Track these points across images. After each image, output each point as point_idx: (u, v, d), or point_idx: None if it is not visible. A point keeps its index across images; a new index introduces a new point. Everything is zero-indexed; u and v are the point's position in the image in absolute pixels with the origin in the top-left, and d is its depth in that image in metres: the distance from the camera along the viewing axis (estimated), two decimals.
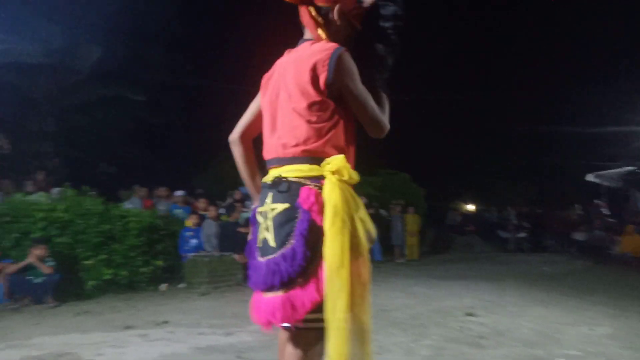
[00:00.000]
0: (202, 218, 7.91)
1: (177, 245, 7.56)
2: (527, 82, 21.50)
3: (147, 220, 7.28)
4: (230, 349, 3.44)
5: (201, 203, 8.77)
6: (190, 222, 7.77)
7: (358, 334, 1.43)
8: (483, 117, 20.07)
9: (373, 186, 14.22)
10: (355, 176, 1.54)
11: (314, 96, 1.52)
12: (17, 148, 12.10)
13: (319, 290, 1.42)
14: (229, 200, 9.73)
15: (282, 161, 1.58)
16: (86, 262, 6.35)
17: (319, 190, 1.50)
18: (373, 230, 1.52)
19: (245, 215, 8.41)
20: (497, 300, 5.62)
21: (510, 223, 15.02)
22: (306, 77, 1.52)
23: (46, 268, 5.56)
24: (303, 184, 1.52)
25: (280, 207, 1.51)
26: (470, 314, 4.75)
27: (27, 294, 5.47)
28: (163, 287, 6.93)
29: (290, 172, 1.55)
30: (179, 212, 8.83)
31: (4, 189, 7.99)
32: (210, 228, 7.67)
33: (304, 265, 1.42)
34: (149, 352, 3.39)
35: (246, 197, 10.57)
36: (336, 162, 1.50)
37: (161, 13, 14.51)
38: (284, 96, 1.59)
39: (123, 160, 14.78)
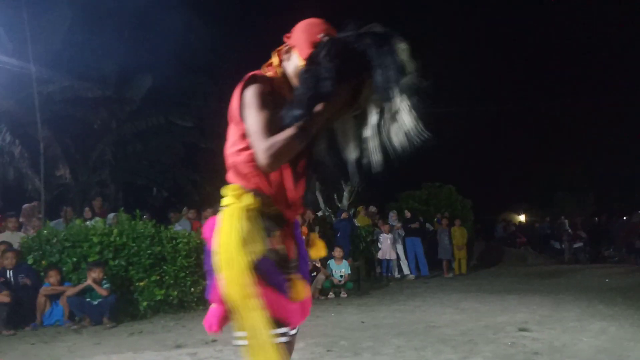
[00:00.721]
0: None
1: None
2: (579, 89, 20.64)
3: (195, 242, 7.50)
4: None
5: None
6: None
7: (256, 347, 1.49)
8: (533, 127, 19.43)
9: (417, 200, 14.00)
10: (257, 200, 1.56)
11: (238, 123, 1.61)
12: (77, 177, 12.95)
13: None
14: None
15: None
16: (139, 284, 6.62)
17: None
18: (261, 250, 1.50)
19: None
20: (554, 315, 5.34)
21: (566, 233, 14.28)
22: (234, 104, 1.62)
23: (102, 290, 5.85)
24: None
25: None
26: (524, 329, 4.54)
27: (86, 315, 5.77)
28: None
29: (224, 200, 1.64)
30: None
31: (65, 216, 8.54)
32: None
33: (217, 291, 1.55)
34: None
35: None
36: (231, 189, 1.60)
37: (207, 45, 15.21)
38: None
39: (174, 184, 15.42)
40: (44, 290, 5.88)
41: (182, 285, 7.00)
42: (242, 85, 1.59)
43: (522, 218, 18.12)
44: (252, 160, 1.56)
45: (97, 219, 8.16)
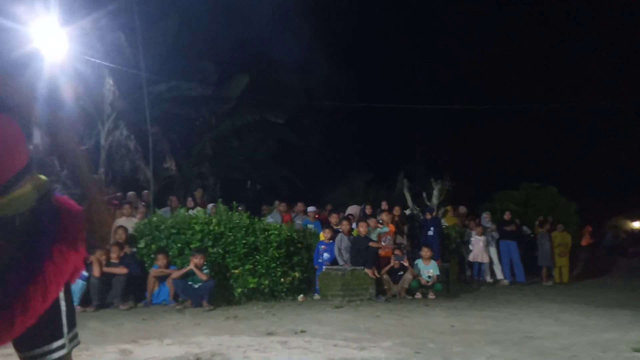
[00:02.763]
0: (335, 232, 8.20)
1: (312, 257, 7.96)
2: None
3: (285, 234, 7.79)
4: None
5: (334, 218, 9.10)
6: (324, 236, 8.11)
7: None
8: None
9: (514, 201, 13.18)
10: None
11: None
12: (181, 169, 14.09)
13: None
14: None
15: None
16: (234, 271, 7.04)
17: None
18: None
19: (380, 230, 8.48)
20: None
21: None
22: None
23: (203, 275, 6.32)
24: None
25: None
26: (639, 350, 4.08)
27: (188, 297, 6.28)
28: (300, 297, 7.34)
29: None
30: (310, 226, 9.31)
31: (171, 205, 9.33)
32: (342, 242, 7.91)
33: None
34: (288, 359, 3.62)
35: (375, 213, 10.70)
36: None
37: (298, 43, 15.63)
38: None
39: (266, 179, 16.13)
40: (154, 272, 6.50)
41: (273, 275, 7.31)
42: None
43: (636, 225, 16.21)
44: None
45: (199, 208, 8.81)
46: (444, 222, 10.52)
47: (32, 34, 10.51)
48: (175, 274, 6.35)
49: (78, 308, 5.87)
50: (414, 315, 5.85)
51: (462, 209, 11.55)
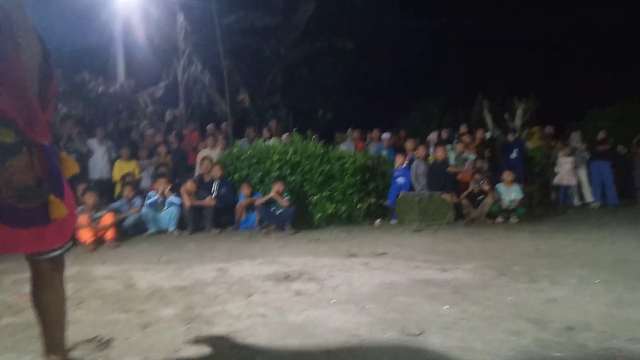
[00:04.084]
0: (411, 159, 8.09)
1: (387, 184, 7.98)
2: None
3: (360, 161, 7.82)
4: (447, 284, 3.54)
5: (409, 143, 8.92)
6: (399, 162, 8.03)
7: None
8: None
9: (608, 118, 12.03)
10: None
11: None
12: (254, 101, 14.36)
13: None
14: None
15: None
16: (313, 198, 7.29)
17: None
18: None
19: (464, 156, 8.23)
20: None
21: None
22: None
23: (284, 201, 6.61)
24: None
25: None
26: None
27: (272, 221, 6.65)
28: (377, 222, 7.48)
29: None
30: (384, 153, 9.24)
31: (249, 136, 9.65)
32: (418, 168, 7.80)
33: None
34: (371, 279, 3.76)
35: (454, 137, 10.32)
36: None
37: None
38: None
39: (338, 106, 16.00)
40: (242, 202, 6.89)
41: (349, 201, 7.48)
42: None
43: None
44: None
45: (275, 138, 9.04)
46: (529, 145, 9.92)
47: None
48: (259, 200, 6.70)
49: (175, 232, 6.48)
50: (496, 239, 5.75)
51: (549, 129, 10.76)
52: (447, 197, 7.27)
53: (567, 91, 15.94)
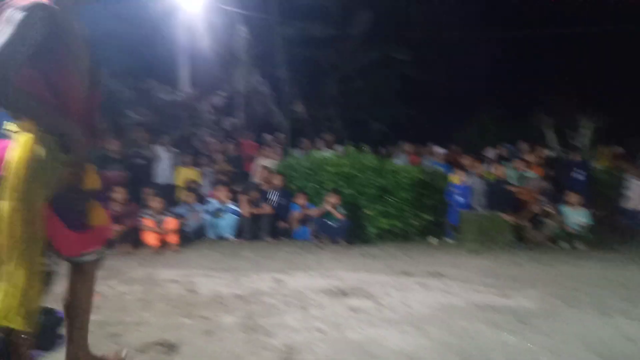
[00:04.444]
0: (468, 175, 7.87)
1: (443, 200, 7.80)
2: None
3: (415, 176, 7.70)
4: (509, 311, 3.41)
5: (467, 160, 8.69)
6: (456, 178, 7.84)
7: (26, 276, 1.54)
8: None
9: None
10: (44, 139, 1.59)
11: None
12: (309, 111, 14.56)
13: None
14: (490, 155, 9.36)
15: None
16: (367, 212, 7.25)
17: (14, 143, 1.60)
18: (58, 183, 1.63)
19: (524, 174, 7.94)
20: None
21: None
22: None
23: (338, 214, 6.64)
24: (3, 137, 1.65)
25: None
26: None
27: (326, 234, 6.69)
28: (433, 240, 7.32)
29: (7, 126, 1.66)
30: (440, 168, 9.03)
31: (303, 147, 9.79)
32: (477, 185, 7.58)
33: None
34: (429, 300, 3.69)
35: (513, 154, 9.95)
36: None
37: None
38: None
39: (391, 118, 15.88)
40: (296, 214, 6.98)
41: (404, 217, 7.37)
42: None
43: None
44: (44, 83, 1.62)
45: (329, 150, 9.11)
46: (596, 165, 9.38)
47: None
48: (314, 211, 6.77)
49: (233, 238, 6.67)
50: (561, 265, 5.47)
51: (618, 150, 10.13)
52: (507, 217, 7.01)
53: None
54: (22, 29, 1.52)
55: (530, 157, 8.25)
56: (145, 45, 12.24)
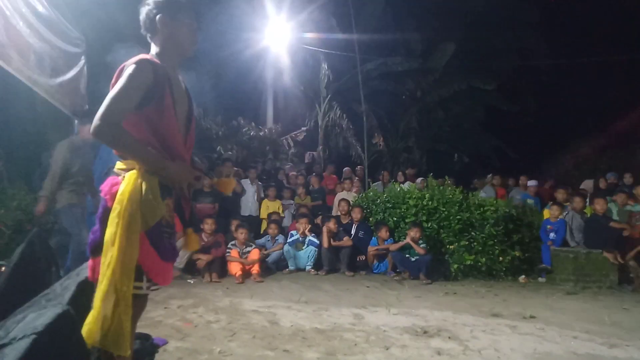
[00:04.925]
0: (563, 209, 7.30)
1: (534, 236, 7.28)
2: None
3: (502, 210, 7.30)
4: None
5: (560, 193, 8.09)
6: (551, 213, 7.31)
7: (117, 300, 1.68)
8: None
9: None
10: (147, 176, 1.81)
11: None
12: (388, 144, 14.55)
13: None
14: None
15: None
16: (450, 247, 6.97)
17: (121, 180, 1.80)
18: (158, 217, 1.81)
19: (630, 208, 7.23)
20: None
21: None
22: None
23: (420, 249, 6.46)
24: (114, 175, 1.85)
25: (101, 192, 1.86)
26: None
27: (406, 269, 6.52)
28: (522, 278, 6.83)
29: (118, 165, 1.89)
30: (530, 202, 8.49)
31: (383, 179, 9.75)
32: (574, 221, 6.99)
33: (98, 241, 1.76)
34: (522, 346, 3.42)
35: (615, 186, 9.07)
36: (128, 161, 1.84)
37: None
38: None
39: (474, 150, 15.35)
40: (372, 249, 6.91)
41: (490, 253, 6.97)
42: (126, 63, 1.84)
43: None
44: (144, 127, 1.85)
45: (409, 183, 8.98)
46: None
47: (263, 33, 12.21)
48: (394, 246, 6.65)
49: (312, 271, 6.74)
50: None
51: None
52: (609, 256, 6.35)
53: None
54: (131, 81, 1.78)
55: (637, 190, 7.47)
56: (235, 84, 13.16)
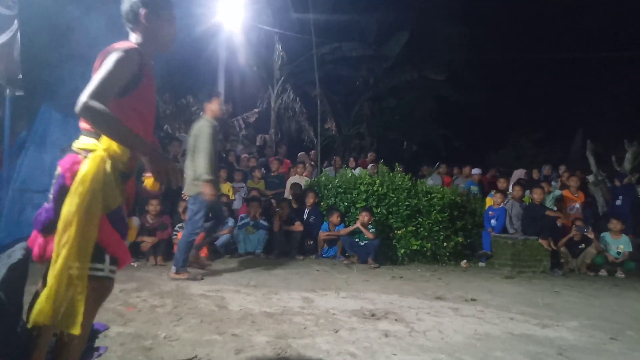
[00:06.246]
0: (504, 197, 7.68)
1: (476, 223, 7.62)
2: None
3: (448, 197, 7.57)
4: (549, 343, 3.26)
5: (502, 182, 8.50)
6: (493, 201, 7.66)
7: (71, 280, 1.66)
8: None
9: None
10: (124, 155, 1.83)
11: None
12: (340, 130, 14.61)
13: None
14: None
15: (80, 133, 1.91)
16: (398, 232, 7.15)
17: (82, 160, 1.78)
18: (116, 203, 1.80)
19: (553, 194, 7.71)
20: None
21: None
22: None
23: (369, 233, 6.56)
24: (74, 153, 1.82)
25: (57, 169, 1.83)
26: None
27: (354, 253, 6.62)
28: (464, 263, 7.14)
29: (76, 143, 1.86)
30: (474, 189, 8.86)
31: (335, 165, 9.80)
32: (513, 209, 7.37)
33: (52, 219, 1.73)
34: (463, 327, 3.57)
35: (551, 177, 9.66)
36: (91, 143, 1.82)
37: None
38: None
39: (425, 138, 15.75)
40: (323, 234, 6.94)
41: (435, 239, 7.23)
42: (108, 49, 1.88)
43: None
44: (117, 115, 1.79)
45: (360, 169, 9.08)
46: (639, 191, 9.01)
47: (216, 9, 11.75)
48: (344, 231, 6.71)
49: (262, 255, 6.68)
50: (601, 295, 5.22)
51: None
52: (544, 242, 6.77)
53: None
54: (119, 67, 1.82)
55: (571, 182, 7.98)
56: (185, 62, 12.62)
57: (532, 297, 4.90)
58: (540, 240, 6.79)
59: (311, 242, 7.03)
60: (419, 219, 7.26)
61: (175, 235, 6.06)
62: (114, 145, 1.80)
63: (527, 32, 16.42)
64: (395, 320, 3.69)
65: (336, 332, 3.29)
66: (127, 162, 1.88)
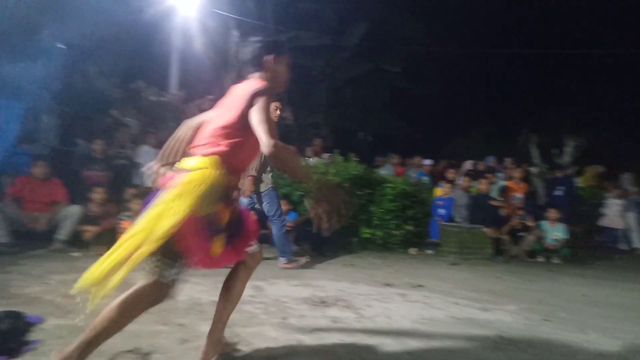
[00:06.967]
0: (452, 188, 7.94)
1: (425, 212, 7.85)
2: None
3: (400, 187, 7.74)
4: (489, 325, 3.43)
5: (451, 173, 8.78)
6: (441, 191, 7.90)
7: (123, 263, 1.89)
8: None
9: None
10: (221, 178, 2.03)
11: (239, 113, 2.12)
12: (297, 119, 14.54)
13: None
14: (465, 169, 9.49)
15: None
16: (350, 221, 7.24)
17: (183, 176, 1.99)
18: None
19: (498, 186, 8.05)
20: None
21: None
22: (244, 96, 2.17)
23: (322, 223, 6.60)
24: (174, 171, 2.08)
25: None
26: None
27: (308, 243, 6.65)
28: (413, 250, 7.35)
29: (187, 164, 2.09)
30: (425, 179, 9.10)
31: None
32: (461, 198, 7.65)
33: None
34: (410, 312, 3.68)
35: (497, 168, 10.08)
36: (207, 162, 2.04)
37: None
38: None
39: (379, 129, 15.96)
40: None
41: (386, 227, 7.39)
42: (258, 89, 2.11)
43: None
44: (243, 146, 2.11)
45: (316, 158, 9.10)
46: (579, 183, 9.57)
47: None
48: (298, 221, 6.72)
49: None
50: (539, 280, 5.54)
51: (598, 169, 10.35)
52: (488, 231, 7.08)
53: (623, 129, 15.26)
54: (268, 111, 2.07)
55: (515, 173, 8.37)
56: (137, 46, 12.11)
57: (476, 282, 5.13)
58: (484, 229, 7.09)
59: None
60: (371, 208, 7.38)
61: (120, 224, 5.85)
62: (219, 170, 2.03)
63: (483, 27, 16.92)
64: (345, 307, 3.75)
65: (285, 319, 3.31)
66: (230, 185, 2.10)
